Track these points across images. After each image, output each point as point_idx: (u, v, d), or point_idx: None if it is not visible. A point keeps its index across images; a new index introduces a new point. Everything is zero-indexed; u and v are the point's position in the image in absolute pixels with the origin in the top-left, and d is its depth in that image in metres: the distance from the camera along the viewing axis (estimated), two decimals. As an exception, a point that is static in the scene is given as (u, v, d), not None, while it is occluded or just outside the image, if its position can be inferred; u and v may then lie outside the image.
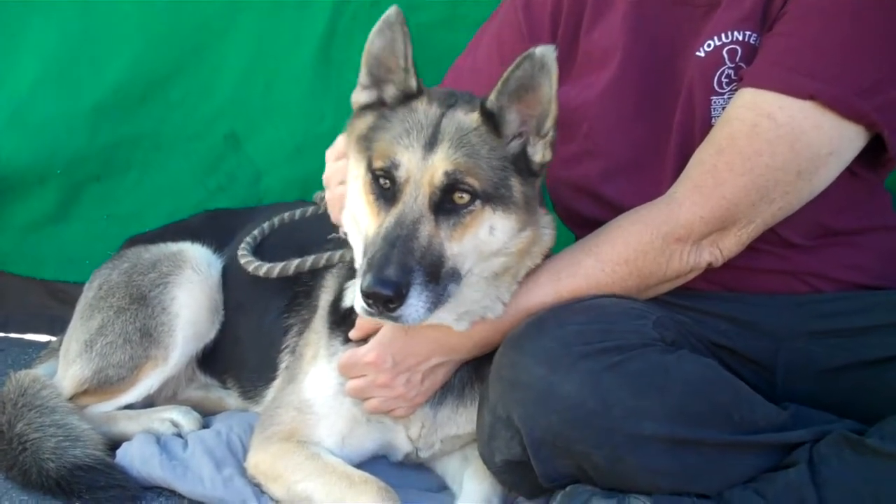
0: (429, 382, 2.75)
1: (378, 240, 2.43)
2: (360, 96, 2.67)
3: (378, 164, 2.51)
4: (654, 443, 2.36)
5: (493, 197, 2.50)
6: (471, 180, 2.46)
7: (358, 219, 2.60)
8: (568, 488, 2.48)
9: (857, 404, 2.57)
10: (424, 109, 2.55)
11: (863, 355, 2.60)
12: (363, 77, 2.64)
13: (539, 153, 2.59)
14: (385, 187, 2.50)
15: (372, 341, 2.72)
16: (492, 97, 2.53)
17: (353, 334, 2.78)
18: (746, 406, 2.47)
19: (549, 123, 2.55)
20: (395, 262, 2.35)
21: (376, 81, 2.63)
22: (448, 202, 2.47)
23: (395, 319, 2.37)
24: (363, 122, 2.63)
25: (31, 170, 4.14)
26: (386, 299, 2.32)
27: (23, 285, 4.37)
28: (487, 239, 2.52)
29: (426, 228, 2.43)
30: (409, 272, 2.35)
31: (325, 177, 2.84)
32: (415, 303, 2.35)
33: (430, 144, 2.48)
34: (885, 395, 2.51)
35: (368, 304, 2.36)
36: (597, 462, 2.40)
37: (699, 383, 2.43)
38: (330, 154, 2.83)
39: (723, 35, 2.66)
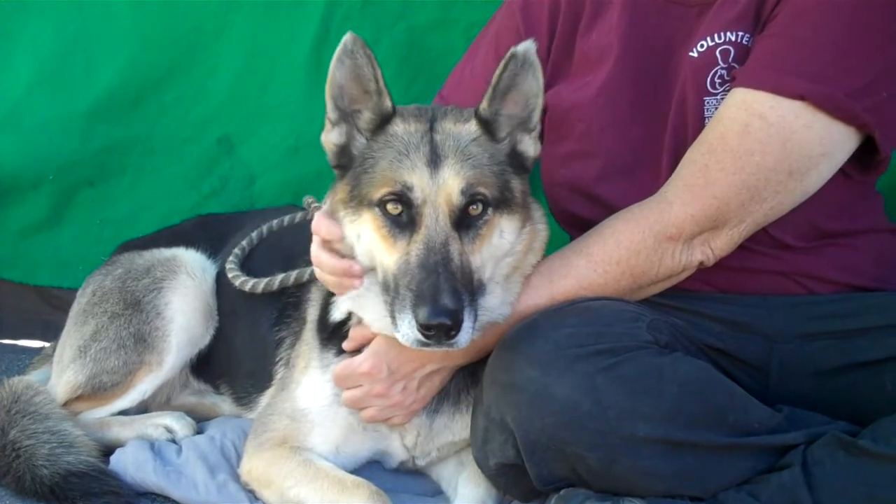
0: (425, 389, 2.75)
1: (413, 269, 2.40)
2: (331, 136, 2.62)
3: (384, 191, 2.47)
4: (648, 445, 2.36)
5: (500, 202, 2.53)
6: (482, 190, 2.48)
7: (370, 257, 2.54)
8: (562, 491, 2.47)
9: (851, 406, 2.58)
10: (405, 129, 2.55)
11: (856, 357, 2.60)
12: (331, 112, 2.59)
13: (531, 148, 2.64)
14: (396, 214, 2.47)
15: (366, 351, 2.71)
16: (484, 104, 2.56)
17: (346, 345, 2.76)
18: (740, 408, 2.47)
19: (536, 117, 2.60)
20: (447, 290, 2.33)
21: (343, 115, 2.59)
22: (465, 217, 2.48)
23: (451, 346, 2.36)
24: (343, 186, 2.59)
25: (24, 174, 4.14)
26: (448, 328, 2.31)
27: (16, 291, 4.36)
28: (499, 243, 2.54)
29: (456, 248, 2.43)
30: (460, 297, 2.35)
31: (314, 262, 2.70)
32: (467, 326, 2.36)
33: (433, 162, 2.48)
34: (878, 397, 2.51)
35: (427, 336, 2.33)
36: (591, 464, 2.40)
37: (693, 386, 2.43)
38: (317, 242, 2.68)
39: (716, 35, 2.66)
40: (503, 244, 2.55)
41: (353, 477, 2.70)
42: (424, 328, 2.32)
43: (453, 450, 2.91)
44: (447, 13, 3.97)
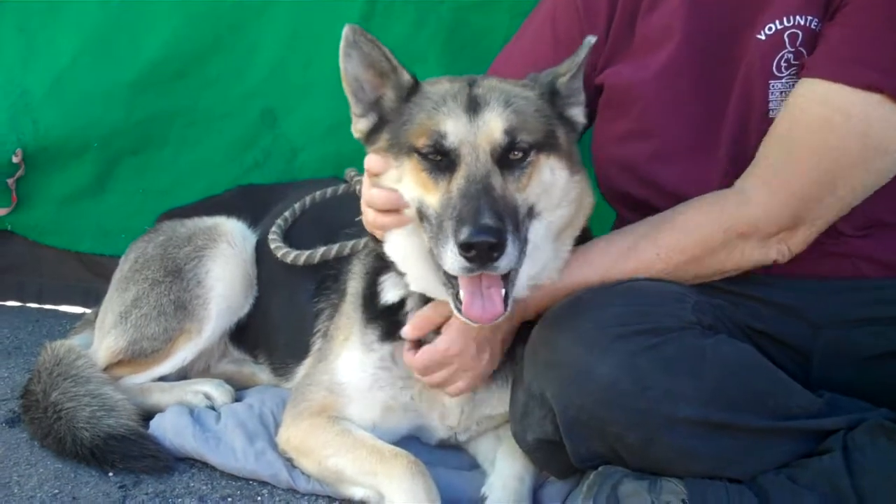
0: (497, 350, 2.74)
1: (455, 200, 2.38)
2: (360, 125, 2.64)
3: (422, 141, 2.48)
4: (688, 426, 2.35)
5: (544, 145, 2.53)
6: (525, 136, 2.48)
7: (412, 198, 2.53)
8: (600, 468, 2.47)
9: (893, 393, 2.54)
10: (439, 88, 2.57)
11: (901, 345, 2.57)
12: (354, 107, 2.63)
13: (580, 115, 2.69)
14: (436, 161, 2.47)
15: (448, 333, 2.66)
16: (564, 80, 2.62)
17: (409, 333, 2.72)
18: (782, 392, 2.46)
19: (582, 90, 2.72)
20: (488, 210, 2.31)
21: (368, 104, 2.62)
22: (507, 159, 2.47)
23: (496, 269, 2.32)
24: (382, 137, 2.60)
25: (69, 143, 4.19)
26: (490, 247, 2.27)
27: (58, 257, 4.43)
28: (551, 179, 2.53)
29: (497, 181, 2.42)
30: (502, 219, 2.32)
31: (365, 201, 2.67)
32: (511, 251, 2.31)
33: (472, 109, 2.48)
34: (921, 386, 2.49)
35: (469, 259, 2.29)
36: (630, 443, 2.39)
37: (735, 368, 2.42)
38: (367, 181, 2.69)
39: (784, 19, 2.62)
40: (557, 180, 2.54)
41: (391, 447, 2.71)
42: (465, 248, 2.28)
43: (491, 424, 2.93)
44: (491, -8, 3.96)
